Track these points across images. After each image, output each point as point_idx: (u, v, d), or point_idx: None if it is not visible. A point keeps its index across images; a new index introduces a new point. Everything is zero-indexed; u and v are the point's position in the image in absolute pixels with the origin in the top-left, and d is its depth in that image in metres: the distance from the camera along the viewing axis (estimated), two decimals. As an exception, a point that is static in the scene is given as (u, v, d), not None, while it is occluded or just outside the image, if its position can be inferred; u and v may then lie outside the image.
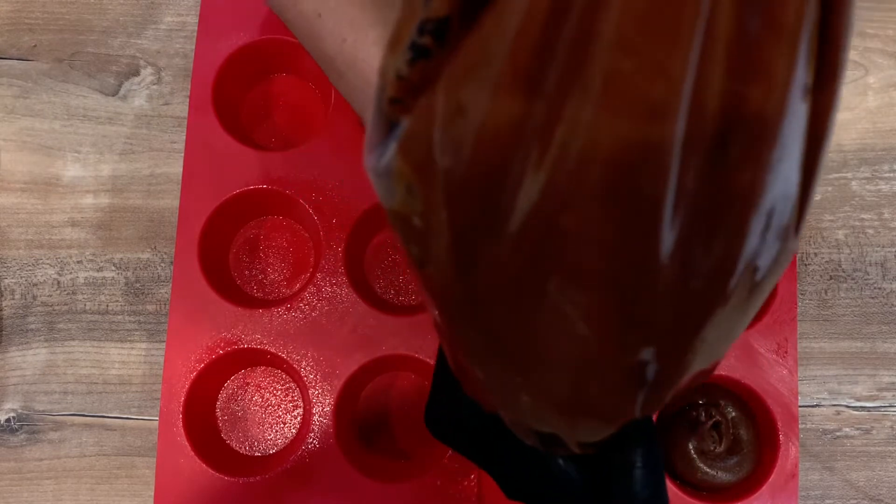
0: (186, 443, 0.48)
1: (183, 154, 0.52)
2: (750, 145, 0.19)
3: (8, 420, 0.52)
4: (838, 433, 0.53)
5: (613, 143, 0.19)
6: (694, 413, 0.50)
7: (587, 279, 0.21)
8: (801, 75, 0.19)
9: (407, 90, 0.22)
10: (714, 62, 0.18)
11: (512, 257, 0.22)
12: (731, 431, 0.50)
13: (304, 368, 0.49)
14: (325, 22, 0.34)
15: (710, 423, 0.49)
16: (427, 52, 0.21)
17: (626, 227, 0.20)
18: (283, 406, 0.52)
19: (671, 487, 0.48)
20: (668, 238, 0.20)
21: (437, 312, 0.26)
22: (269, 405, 0.52)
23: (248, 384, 0.52)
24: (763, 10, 0.18)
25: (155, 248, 0.54)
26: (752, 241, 0.21)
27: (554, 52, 0.19)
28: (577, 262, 0.21)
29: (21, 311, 0.53)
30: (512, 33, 0.19)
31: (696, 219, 0.20)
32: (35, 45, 0.56)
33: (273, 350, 0.49)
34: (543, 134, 0.20)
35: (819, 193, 0.55)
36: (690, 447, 0.49)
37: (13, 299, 0.53)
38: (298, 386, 0.51)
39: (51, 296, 0.53)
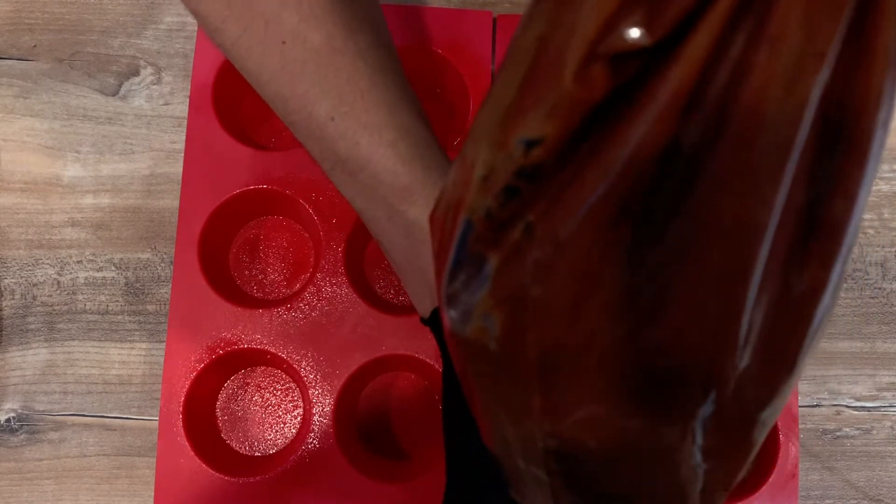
0: (186, 443, 0.48)
1: (183, 154, 0.52)
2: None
3: (8, 420, 0.52)
4: (838, 433, 0.53)
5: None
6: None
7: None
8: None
9: (493, 227, 0.23)
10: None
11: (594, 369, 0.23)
12: (731, 431, 0.50)
13: (304, 368, 0.49)
14: (338, 125, 0.34)
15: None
16: (519, 192, 0.22)
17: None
18: (283, 406, 0.52)
19: (671, 487, 0.48)
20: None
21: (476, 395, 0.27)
22: (269, 405, 0.52)
23: (248, 384, 0.52)
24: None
25: (155, 248, 0.54)
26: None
27: (657, 194, 0.21)
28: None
29: (21, 311, 0.53)
30: (613, 177, 0.20)
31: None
32: (35, 45, 0.56)
33: (273, 350, 0.49)
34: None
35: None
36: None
37: (13, 299, 0.53)
38: (298, 386, 0.51)
39: (51, 296, 0.53)
